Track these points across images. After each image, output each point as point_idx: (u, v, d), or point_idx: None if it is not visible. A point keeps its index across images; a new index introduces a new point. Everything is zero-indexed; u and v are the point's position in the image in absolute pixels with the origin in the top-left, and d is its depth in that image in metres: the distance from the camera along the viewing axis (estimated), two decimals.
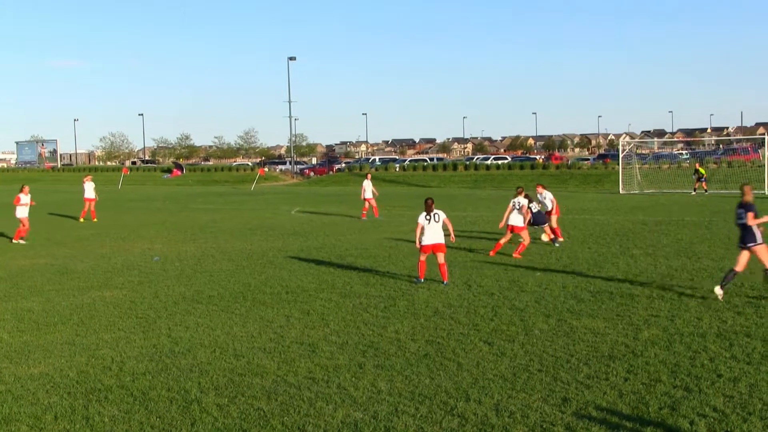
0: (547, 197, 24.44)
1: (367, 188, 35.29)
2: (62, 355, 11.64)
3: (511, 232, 21.43)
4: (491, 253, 21.10)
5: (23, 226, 28.00)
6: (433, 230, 16.79)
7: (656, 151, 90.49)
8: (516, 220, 21.24)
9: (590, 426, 8.24)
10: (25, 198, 28.50)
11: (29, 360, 11.41)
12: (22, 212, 28.46)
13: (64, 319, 14.22)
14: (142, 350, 11.81)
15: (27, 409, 9.19)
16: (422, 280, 16.97)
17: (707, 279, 16.67)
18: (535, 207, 22.55)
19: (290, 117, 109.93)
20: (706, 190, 48.63)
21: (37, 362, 11.27)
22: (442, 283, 16.67)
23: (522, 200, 21.30)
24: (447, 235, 17.44)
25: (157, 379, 10.29)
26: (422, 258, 17.12)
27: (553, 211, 24.18)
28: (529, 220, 21.65)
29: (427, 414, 8.72)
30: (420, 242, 16.90)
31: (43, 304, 15.68)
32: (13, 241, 27.33)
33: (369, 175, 37.60)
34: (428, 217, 16.81)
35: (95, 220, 36.08)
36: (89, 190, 36.95)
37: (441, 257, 16.81)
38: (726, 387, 9.46)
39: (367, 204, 35.13)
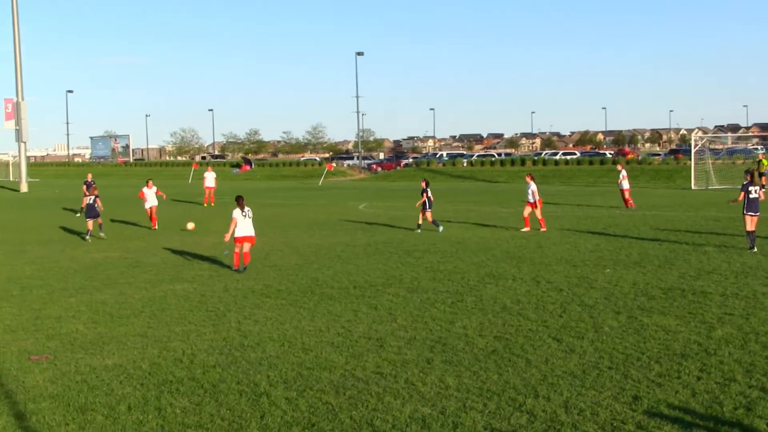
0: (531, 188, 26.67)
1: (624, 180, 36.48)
2: (135, 346, 11.88)
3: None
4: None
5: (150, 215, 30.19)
6: (245, 224, 18.96)
7: (730, 146, 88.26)
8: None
9: (662, 424, 8.10)
10: (149, 191, 30.35)
11: (104, 351, 11.66)
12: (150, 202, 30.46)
13: (136, 311, 14.50)
14: (212, 343, 11.98)
15: (102, 399, 9.41)
16: (238, 269, 18.77)
17: None
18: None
19: (358, 112, 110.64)
20: (764, 186, 47.06)
21: (111, 353, 11.52)
22: (234, 269, 18.81)
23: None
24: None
25: (227, 371, 10.43)
26: (237, 249, 19.06)
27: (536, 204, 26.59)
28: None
29: (496, 410, 8.68)
30: (233, 234, 18.94)
31: (116, 296, 16.02)
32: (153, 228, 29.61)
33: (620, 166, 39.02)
34: (244, 213, 18.96)
35: (213, 204, 40.86)
36: (210, 179, 43.24)
37: (247, 246, 18.97)
38: None
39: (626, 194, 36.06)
